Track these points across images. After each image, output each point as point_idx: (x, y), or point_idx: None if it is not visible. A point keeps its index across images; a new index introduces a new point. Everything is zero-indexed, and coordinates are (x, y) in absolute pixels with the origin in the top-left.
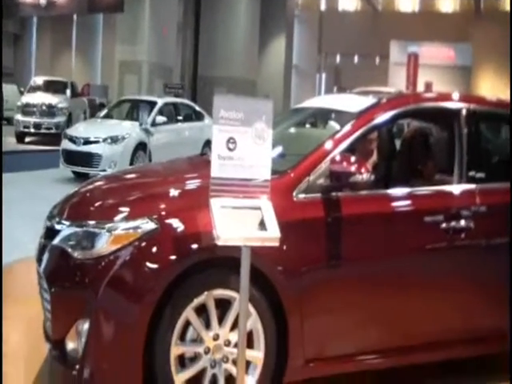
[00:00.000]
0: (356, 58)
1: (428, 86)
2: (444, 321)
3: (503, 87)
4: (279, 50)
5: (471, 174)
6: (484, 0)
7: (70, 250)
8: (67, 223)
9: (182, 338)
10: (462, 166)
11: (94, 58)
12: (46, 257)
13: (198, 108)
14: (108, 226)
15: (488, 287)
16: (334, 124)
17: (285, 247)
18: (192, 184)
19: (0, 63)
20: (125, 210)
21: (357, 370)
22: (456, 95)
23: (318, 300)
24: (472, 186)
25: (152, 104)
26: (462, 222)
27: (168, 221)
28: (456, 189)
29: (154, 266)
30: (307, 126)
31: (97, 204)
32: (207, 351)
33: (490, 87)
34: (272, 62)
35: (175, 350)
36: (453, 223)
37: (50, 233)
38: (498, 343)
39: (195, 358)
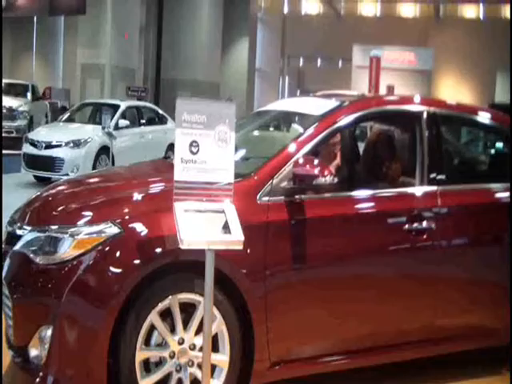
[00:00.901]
0: (319, 61)
1: (390, 90)
2: (411, 321)
3: (463, 91)
4: (242, 52)
5: (433, 175)
6: (443, 6)
7: (32, 255)
8: (29, 228)
9: (147, 342)
10: (424, 168)
11: (56, 61)
12: (7, 263)
13: (160, 111)
14: (71, 230)
15: (450, 286)
16: (297, 127)
17: (249, 250)
18: (155, 188)
19: (0, 64)
20: (88, 214)
21: (323, 371)
22: (417, 98)
23: (282, 302)
24: (433, 188)
25: (115, 107)
26: (424, 223)
27: (132, 225)
28: (418, 191)
29: (118, 270)
30: (270, 129)
31: (59, 208)
32: (172, 355)
33: (450, 91)
34: (235, 64)
35: (140, 355)
36: (415, 224)
37: (12, 238)
38: (467, 341)
39: (160, 363)
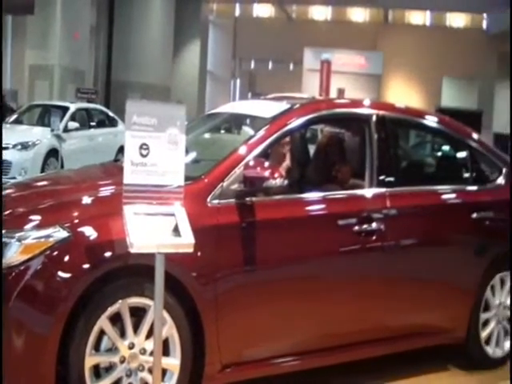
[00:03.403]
0: (270, 64)
1: (340, 93)
2: (361, 321)
3: (411, 95)
4: (194, 55)
5: (382, 178)
6: (392, 11)
7: None
8: None
9: (97, 347)
10: (373, 170)
11: (3, 62)
12: None
13: (111, 113)
14: (18, 234)
15: (399, 286)
16: (248, 129)
17: (199, 253)
18: (105, 191)
19: (0, 65)
20: (36, 218)
21: (275, 373)
22: (367, 102)
23: (233, 305)
24: (382, 190)
25: (64, 109)
26: (374, 225)
27: (80, 229)
28: (367, 192)
29: (67, 275)
30: (221, 131)
31: (6, 212)
32: (123, 360)
33: (399, 95)
34: (186, 67)
35: (90, 361)
36: (365, 226)
37: None
38: (418, 339)
39: (111, 368)
